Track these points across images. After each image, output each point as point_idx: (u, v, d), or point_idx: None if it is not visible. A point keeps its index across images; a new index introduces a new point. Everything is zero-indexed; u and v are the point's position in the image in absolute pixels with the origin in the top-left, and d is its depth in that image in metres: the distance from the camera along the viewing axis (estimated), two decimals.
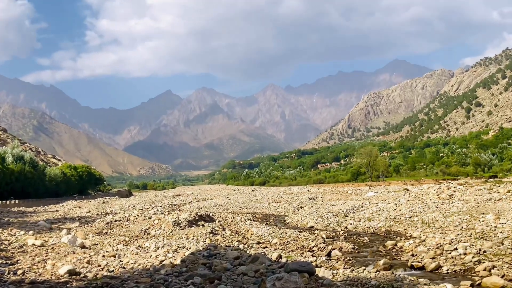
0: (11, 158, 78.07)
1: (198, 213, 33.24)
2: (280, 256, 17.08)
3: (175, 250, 21.17)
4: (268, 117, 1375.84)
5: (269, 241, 23.48)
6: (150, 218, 31.94)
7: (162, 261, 17.88)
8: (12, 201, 65.50)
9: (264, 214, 43.16)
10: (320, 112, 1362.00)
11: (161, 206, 51.53)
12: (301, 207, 44.89)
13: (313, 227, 29.70)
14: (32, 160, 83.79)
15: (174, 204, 62.23)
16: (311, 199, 55.72)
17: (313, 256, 18.27)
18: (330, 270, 14.05)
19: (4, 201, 63.88)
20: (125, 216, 34.02)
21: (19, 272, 15.72)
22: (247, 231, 27.42)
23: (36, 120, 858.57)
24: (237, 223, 32.58)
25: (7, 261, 18.15)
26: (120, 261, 18.09)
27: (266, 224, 32.65)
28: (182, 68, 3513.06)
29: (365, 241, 22.93)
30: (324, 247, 19.86)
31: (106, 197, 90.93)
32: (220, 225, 31.17)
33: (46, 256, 19.57)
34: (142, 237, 26.83)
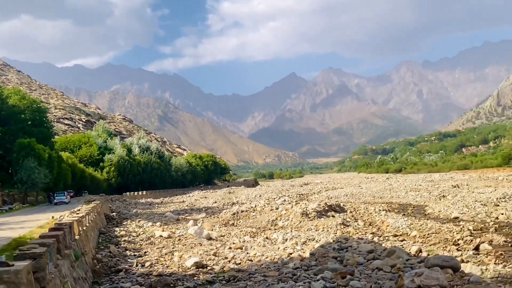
0: (137, 149, 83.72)
1: (328, 203, 33.47)
2: (420, 250, 16.70)
3: (304, 242, 21.51)
4: (403, 97, 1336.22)
5: (407, 233, 23.09)
6: (277, 208, 32.72)
7: (291, 253, 18.27)
8: (140, 193, 70.72)
9: (401, 204, 42.53)
10: (463, 89, 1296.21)
11: (288, 195, 52.61)
12: (443, 196, 43.58)
13: (457, 218, 28.64)
14: (158, 150, 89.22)
15: (302, 194, 63.38)
16: (455, 186, 54.09)
17: (458, 250, 17.56)
18: (478, 265, 13.39)
19: (132, 193, 69.21)
20: (252, 207, 35.17)
21: (147, 264, 17.22)
22: (382, 223, 27.15)
23: (160, 110, 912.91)
24: (370, 213, 32.38)
25: (135, 253, 20.06)
26: (247, 253, 18.76)
27: (404, 215, 32.12)
28: (307, 48, 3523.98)
29: None
30: (471, 240, 18.98)
31: (232, 187, 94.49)
32: (352, 216, 31.15)
33: (173, 248, 20.99)
34: (270, 229, 27.65)
